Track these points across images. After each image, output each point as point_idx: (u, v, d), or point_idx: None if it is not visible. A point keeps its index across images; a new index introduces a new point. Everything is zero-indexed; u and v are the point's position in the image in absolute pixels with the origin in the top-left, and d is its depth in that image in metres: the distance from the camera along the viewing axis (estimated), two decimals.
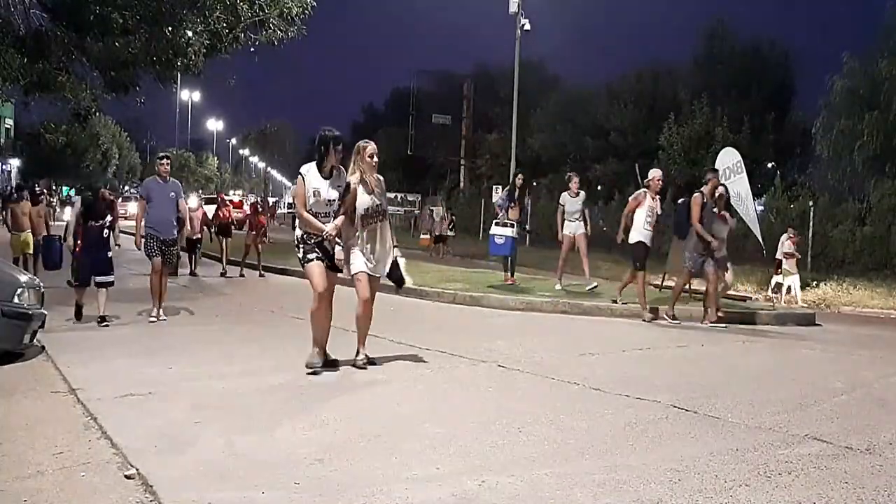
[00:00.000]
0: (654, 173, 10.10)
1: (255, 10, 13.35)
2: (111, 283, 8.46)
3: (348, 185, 5.93)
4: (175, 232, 8.94)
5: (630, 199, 10.06)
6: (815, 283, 15.42)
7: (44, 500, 3.19)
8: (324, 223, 5.86)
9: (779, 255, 14.60)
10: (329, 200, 5.87)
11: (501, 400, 5.09)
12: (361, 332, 6.18)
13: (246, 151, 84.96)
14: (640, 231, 9.70)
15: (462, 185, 44.61)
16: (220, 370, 5.93)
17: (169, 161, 9.32)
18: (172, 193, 8.85)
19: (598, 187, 33.95)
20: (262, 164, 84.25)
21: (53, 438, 4.02)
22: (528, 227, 14.27)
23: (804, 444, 4.11)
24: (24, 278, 6.68)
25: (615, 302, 10.12)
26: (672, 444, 4.11)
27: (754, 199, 11.77)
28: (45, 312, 6.64)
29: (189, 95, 54.92)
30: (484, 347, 6.95)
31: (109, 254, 8.44)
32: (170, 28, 12.74)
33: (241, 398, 4.97)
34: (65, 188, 48.08)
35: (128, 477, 3.42)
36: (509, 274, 12.08)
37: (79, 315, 8.33)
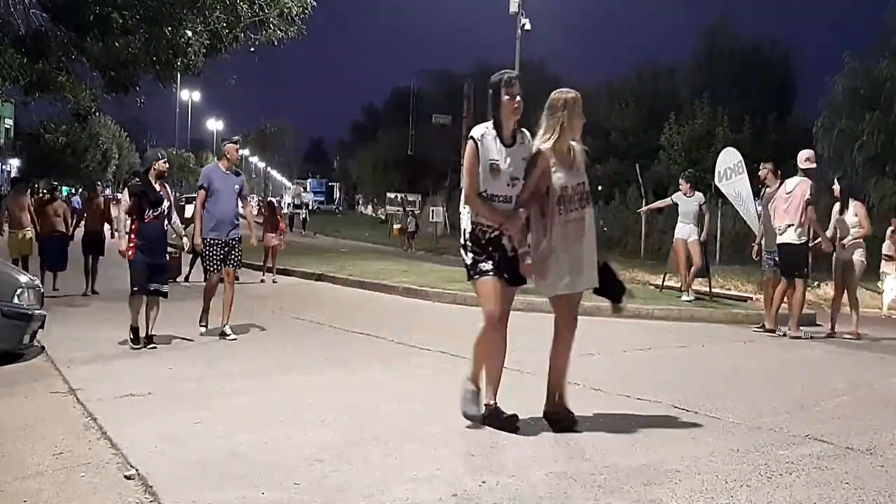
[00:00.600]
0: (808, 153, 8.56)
1: (255, 10, 13.36)
2: (166, 294, 7.03)
3: (536, 154, 4.26)
4: (239, 231, 7.64)
5: (808, 197, 8.20)
6: (816, 283, 15.39)
7: (44, 500, 3.19)
8: (503, 211, 4.22)
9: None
10: (513, 178, 4.21)
11: (501, 400, 5.07)
12: (557, 377, 4.42)
13: (246, 151, 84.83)
14: (805, 229, 8.26)
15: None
16: (220, 370, 5.92)
17: (238, 148, 7.86)
18: (237, 186, 7.60)
19: (599, 187, 33.97)
20: (262, 164, 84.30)
21: (53, 439, 4.02)
22: None
23: (805, 445, 4.10)
24: (23, 279, 6.69)
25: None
26: (672, 444, 4.11)
27: (756, 199, 11.75)
28: (45, 313, 6.63)
29: (189, 95, 54.93)
30: None
31: (167, 257, 7.13)
32: (170, 28, 12.75)
33: (241, 398, 4.96)
34: (64, 188, 48.07)
35: (127, 477, 3.41)
36: None
37: (136, 339, 6.80)
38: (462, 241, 4.33)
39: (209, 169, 7.79)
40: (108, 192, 35.54)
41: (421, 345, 7.04)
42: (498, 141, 4.19)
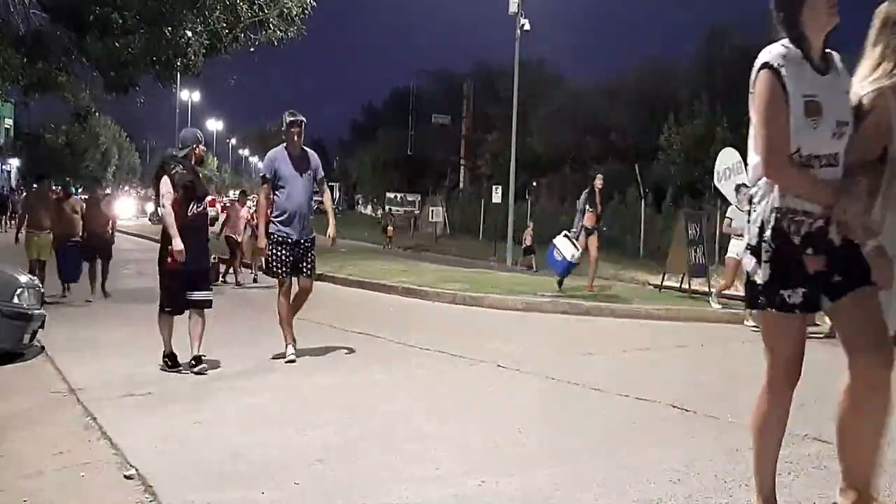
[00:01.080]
0: None
1: (255, 10, 13.41)
2: (210, 304, 5.86)
3: (873, 96, 2.66)
4: (313, 231, 6.28)
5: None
6: None
7: (44, 500, 3.19)
8: (832, 182, 2.55)
9: None
10: (840, 123, 2.54)
11: (501, 400, 5.08)
12: (863, 471, 2.85)
13: (246, 151, 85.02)
14: None
15: (462, 185, 44.63)
16: (219, 370, 5.92)
17: (300, 128, 6.18)
18: (310, 172, 6.16)
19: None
20: (262, 165, 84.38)
21: (53, 438, 4.02)
22: (604, 227, 13.53)
23: (804, 444, 4.10)
24: (23, 279, 6.69)
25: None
26: (672, 444, 4.11)
27: None
28: (45, 313, 6.64)
29: (189, 95, 54.89)
30: (484, 347, 6.94)
31: (213, 258, 5.96)
32: (169, 28, 12.78)
33: (241, 398, 4.96)
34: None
35: (127, 477, 3.42)
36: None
37: (174, 362, 5.75)
38: (754, 241, 2.65)
39: (274, 154, 6.21)
40: (108, 190, 35.41)
41: (421, 345, 7.04)
42: (808, 64, 2.56)
